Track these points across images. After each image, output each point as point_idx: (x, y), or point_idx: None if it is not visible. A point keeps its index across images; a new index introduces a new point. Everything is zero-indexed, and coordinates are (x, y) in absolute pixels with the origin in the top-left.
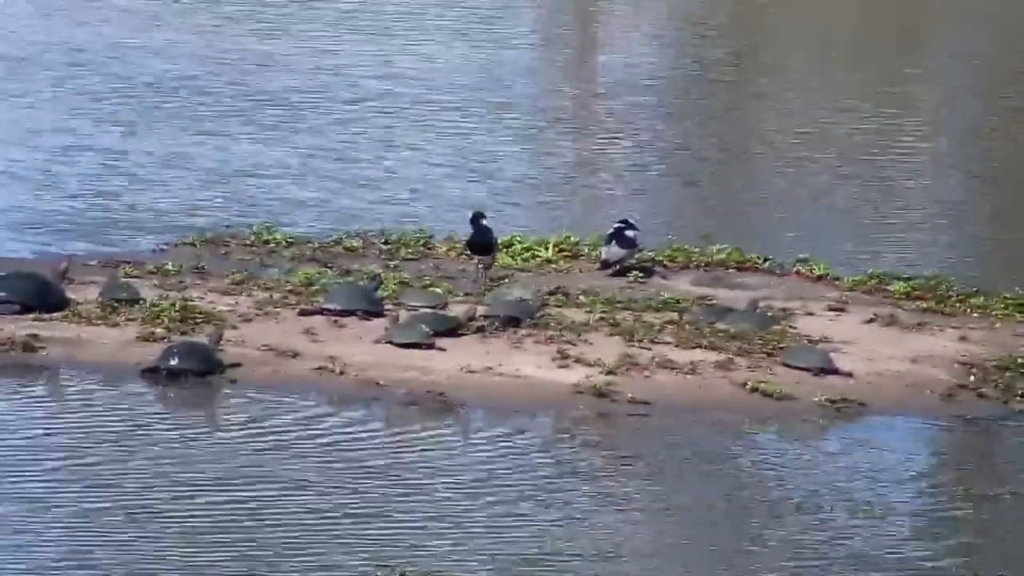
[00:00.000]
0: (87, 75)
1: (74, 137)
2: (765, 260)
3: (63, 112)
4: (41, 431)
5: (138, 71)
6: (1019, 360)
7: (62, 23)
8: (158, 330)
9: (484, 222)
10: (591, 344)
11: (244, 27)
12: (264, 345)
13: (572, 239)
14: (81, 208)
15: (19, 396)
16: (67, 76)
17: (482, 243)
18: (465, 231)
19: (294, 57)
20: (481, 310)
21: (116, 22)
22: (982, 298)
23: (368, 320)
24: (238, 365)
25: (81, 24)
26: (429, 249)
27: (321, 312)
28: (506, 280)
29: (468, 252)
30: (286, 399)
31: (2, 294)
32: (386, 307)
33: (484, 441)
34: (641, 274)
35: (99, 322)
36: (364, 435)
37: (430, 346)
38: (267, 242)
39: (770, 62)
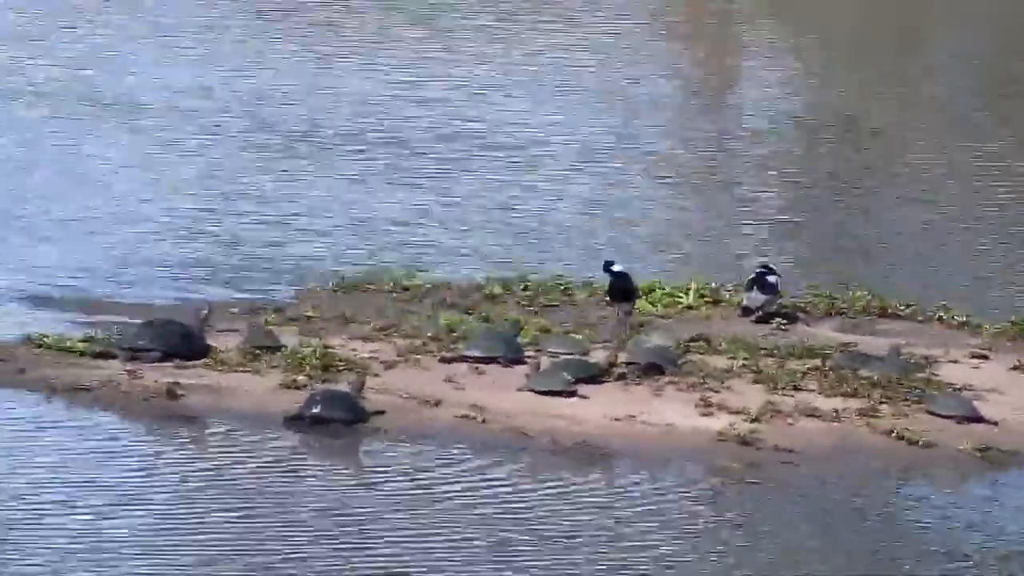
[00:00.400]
0: (230, 122)
1: (216, 184)
2: (907, 307)
3: (206, 160)
4: (186, 479)
5: (282, 117)
6: None
7: (205, 70)
8: (300, 377)
9: (618, 268)
10: (734, 391)
11: (388, 76)
12: (407, 393)
13: (713, 285)
14: (222, 255)
15: (163, 443)
16: (210, 123)
17: (623, 289)
18: (604, 277)
19: (437, 104)
20: (622, 357)
21: (261, 69)
22: None
23: (509, 367)
24: (381, 413)
25: (228, 71)
26: (568, 295)
27: (463, 359)
28: (645, 327)
29: (608, 298)
30: (431, 448)
31: (143, 342)
32: (527, 354)
33: (634, 490)
34: (784, 320)
35: (240, 369)
36: (511, 485)
37: (571, 394)
38: (407, 288)
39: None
